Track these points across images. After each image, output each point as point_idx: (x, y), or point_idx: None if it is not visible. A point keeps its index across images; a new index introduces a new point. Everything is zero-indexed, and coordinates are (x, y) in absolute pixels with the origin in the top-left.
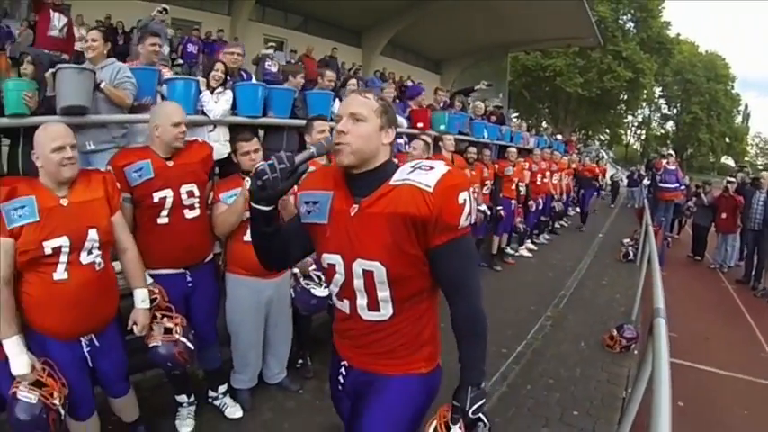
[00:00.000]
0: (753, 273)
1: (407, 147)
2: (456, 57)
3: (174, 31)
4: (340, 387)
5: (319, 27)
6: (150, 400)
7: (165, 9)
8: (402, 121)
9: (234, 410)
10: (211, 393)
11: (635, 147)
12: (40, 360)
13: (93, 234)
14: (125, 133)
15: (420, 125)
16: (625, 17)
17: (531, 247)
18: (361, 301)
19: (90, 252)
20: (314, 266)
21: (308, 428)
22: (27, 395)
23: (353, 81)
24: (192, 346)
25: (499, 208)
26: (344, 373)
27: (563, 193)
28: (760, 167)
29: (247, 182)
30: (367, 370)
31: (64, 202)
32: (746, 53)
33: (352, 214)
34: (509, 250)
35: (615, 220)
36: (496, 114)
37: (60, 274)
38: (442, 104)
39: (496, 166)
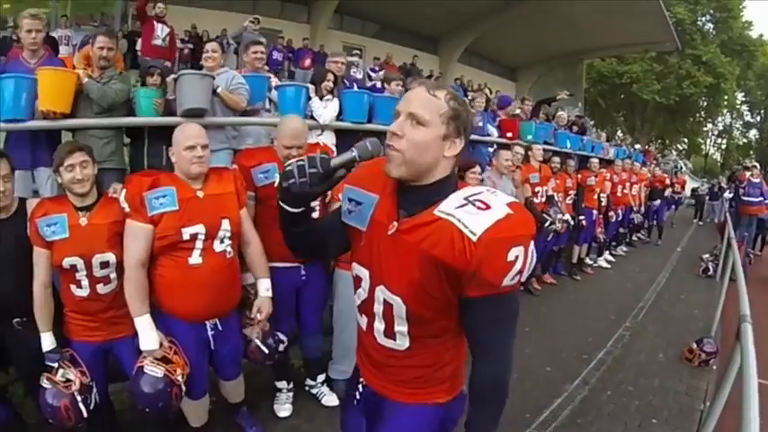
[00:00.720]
0: None
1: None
2: (531, 64)
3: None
4: (356, 402)
5: (396, 35)
6: (248, 384)
7: (257, 19)
8: (492, 130)
9: (330, 399)
10: (309, 382)
11: (714, 157)
12: (167, 339)
13: (225, 224)
14: (236, 135)
15: (509, 135)
16: (704, 18)
17: (610, 258)
18: (379, 325)
19: (222, 241)
20: None
21: None
22: (154, 369)
23: None
24: (265, 350)
25: (581, 218)
26: (361, 390)
27: (642, 204)
28: None
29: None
30: (380, 393)
31: (200, 193)
32: None
33: (389, 233)
34: (588, 260)
35: (694, 235)
36: (578, 124)
37: (195, 258)
38: (526, 114)
39: (579, 176)
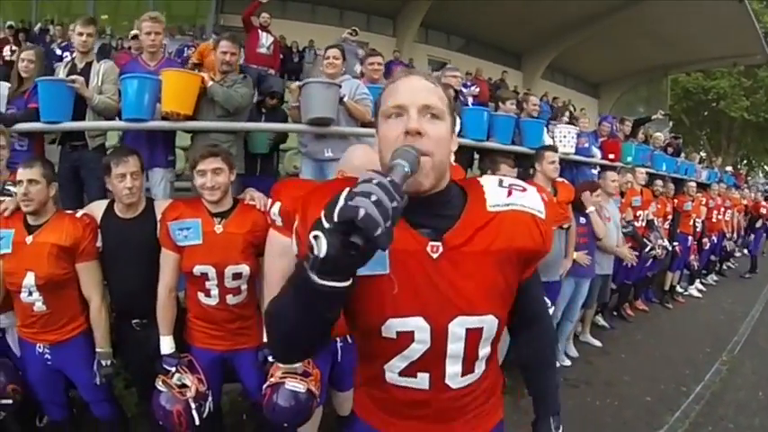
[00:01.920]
0: None
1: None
2: (614, 80)
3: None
4: None
5: (481, 49)
6: None
7: (354, 30)
8: (596, 151)
9: None
10: None
11: None
12: None
13: None
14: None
15: (611, 156)
16: None
17: (701, 287)
18: (454, 368)
19: None
20: None
21: None
22: (296, 385)
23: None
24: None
25: (676, 243)
26: None
27: (734, 231)
28: None
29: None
30: None
31: None
32: None
33: (436, 257)
34: (679, 288)
35: None
36: (672, 145)
37: None
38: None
39: (675, 200)
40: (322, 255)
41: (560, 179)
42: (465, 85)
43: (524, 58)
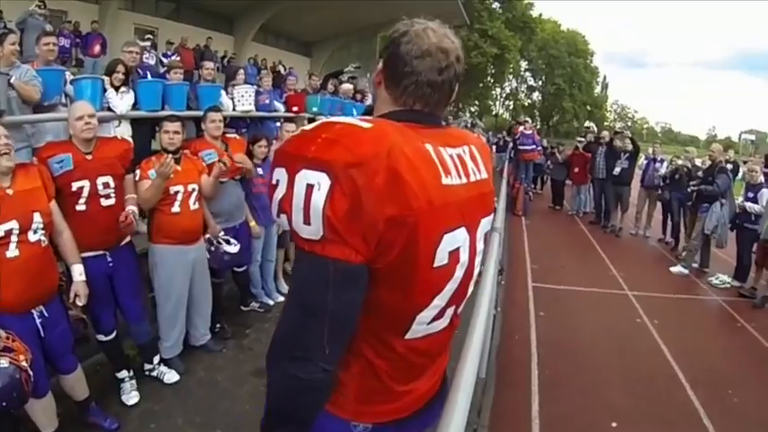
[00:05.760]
0: (602, 214)
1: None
2: (326, 39)
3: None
4: None
5: (191, 15)
6: (91, 383)
7: (42, 2)
8: (279, 105)
9: (171, 376)
10: (147, 366)
11: (504, 116)
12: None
13: (37, 217)
14: (34, 132)
15: (295, 109)
16: None
17: None
18: None
19: (36, 232)
20: (222, 232)
21: (238, 377)
22: (0, 362)
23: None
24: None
25: None
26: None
27: None
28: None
29: (169, 158)
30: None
31: (9, 191)
32: (610, 32)
33: None
34: None
35: None
36: (363, 94)
37: (12, 251)
38: (314, 88)
39: None
40: None
41: (232, 135)
42: (165, 55)
43: (236, 21)
